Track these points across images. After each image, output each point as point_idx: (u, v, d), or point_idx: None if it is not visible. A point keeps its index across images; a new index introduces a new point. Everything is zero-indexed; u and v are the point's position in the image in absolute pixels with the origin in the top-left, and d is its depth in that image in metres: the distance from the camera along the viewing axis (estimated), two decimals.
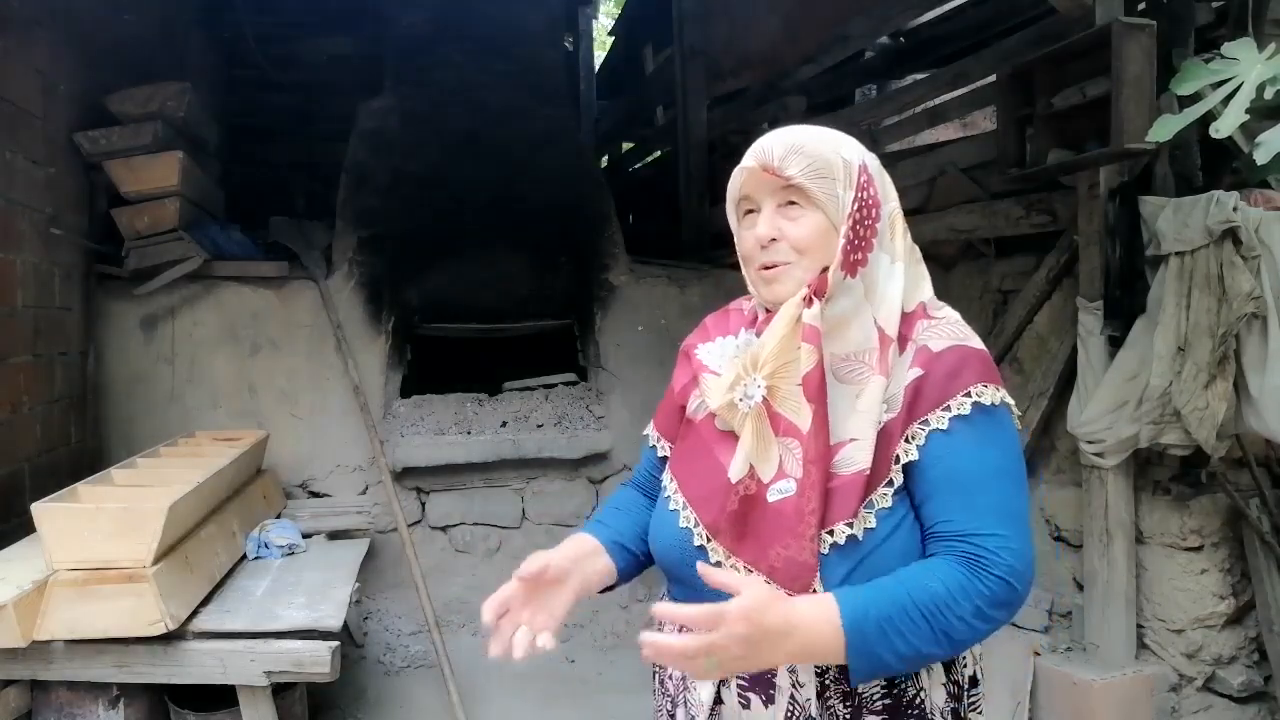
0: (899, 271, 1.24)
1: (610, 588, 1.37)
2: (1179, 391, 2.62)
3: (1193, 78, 1.86)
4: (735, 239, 1.32)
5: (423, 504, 4.21)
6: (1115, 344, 2.86)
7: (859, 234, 1.21)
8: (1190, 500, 2.89)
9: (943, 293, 4.43)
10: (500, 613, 1.22)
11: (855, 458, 1.16)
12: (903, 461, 1.16)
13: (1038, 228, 3.31)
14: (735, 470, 1.20)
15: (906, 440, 1.15)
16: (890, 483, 1.16)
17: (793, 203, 1.22)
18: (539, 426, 4.25)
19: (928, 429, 1.15)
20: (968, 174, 3.66)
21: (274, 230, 4.58)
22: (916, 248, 1.31)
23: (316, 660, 2.48)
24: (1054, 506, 3.32)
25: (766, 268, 1.24)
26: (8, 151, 3.06)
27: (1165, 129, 1.93)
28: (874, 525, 1.15)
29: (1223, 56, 1.82)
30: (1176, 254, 2.66)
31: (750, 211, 1.28)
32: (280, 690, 2.64)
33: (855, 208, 1.20)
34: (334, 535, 3.54)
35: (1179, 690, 2.90)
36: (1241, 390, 2.61)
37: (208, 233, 4.09)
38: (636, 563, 1.39)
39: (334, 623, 2.57)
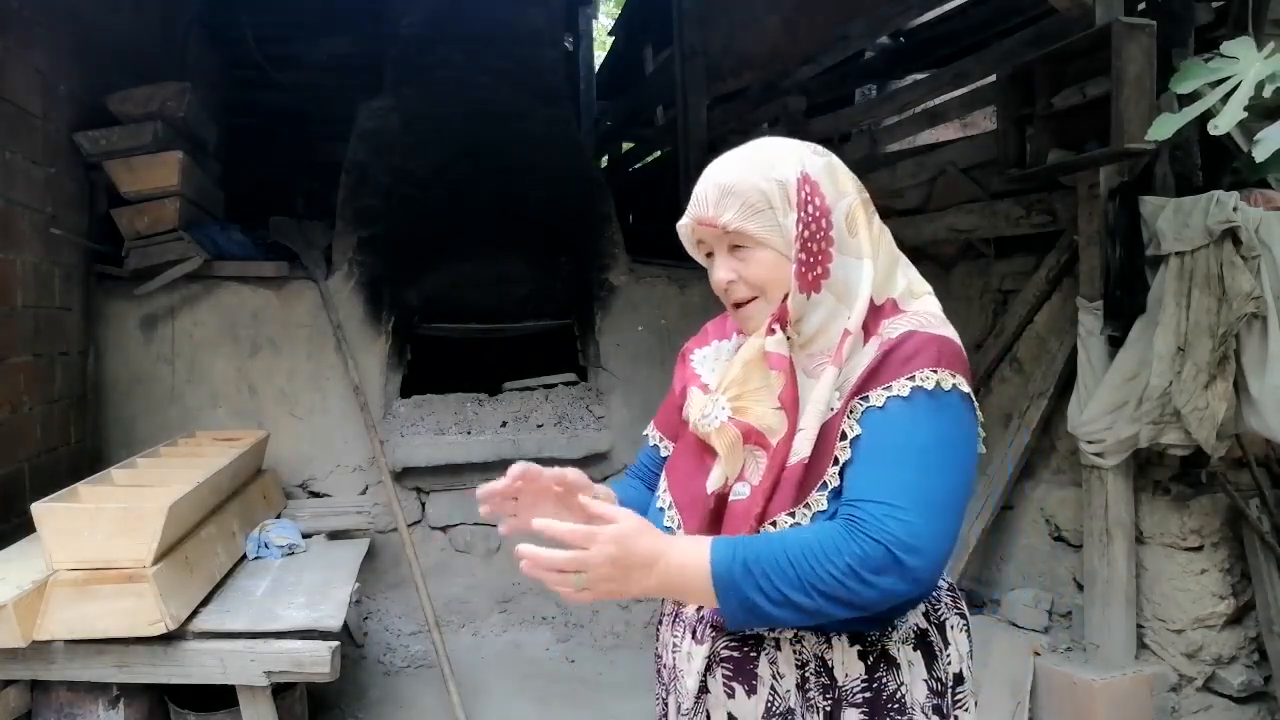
0: (868, 270, 1.23)
1: None
2: (1179, 391, 2.62)
3: (1192, 76, 1.86)
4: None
5: (423, 504, 4.21)
6: (1115, 344, 2.86)
7: (811, 251, 1.21)
8: (1190, 500, 2.89)
9: (943, 293, 4.43)
10: (487, 498, 1.34)
11: (799, 448, 1.18)
12: (849, 437, 1.16)
13: (1038, 228, 3.31)
14: (713, 482, 1.25)
15: (849, 415, 1.16)
16: (836, 461, 1.17)
17: (738, 245, 1.24)
18: (539, 426, 4.25)
19: (866, 405, 1.16)
20: (968, 174, 3.66)
21: (274, 230, 4.58)
22: (886, 234, 1.29)
23: (316, 660, 2.48)
24: (1054, 506, 3.32)
25: (737, 305, 1.28)
26: (8, 151, 3.06)
27: (1164, 127, 1.93)
28: (825, 508, 1.17)
29: (1222, 55, 1.82)
30: (1176, 254, 2.66)
31: (710, 254, 1.31)
32: (280, 690, 2.64)
33: (800, 229, 1.20)
34: (334, 535, 3.54)
35: (1179, 690, 2.90)
36: (1241, 390, 2.61)
37: (208, 233, 4.09)
38: None
39: (334, 623, 2.57)
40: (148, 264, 3.83)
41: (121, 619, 2.33)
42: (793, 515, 1.17)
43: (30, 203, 3.23)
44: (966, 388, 1.18)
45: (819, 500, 1.17)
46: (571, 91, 6.45)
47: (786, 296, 1.22)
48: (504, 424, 4.25)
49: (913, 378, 1.15)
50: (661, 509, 1.33)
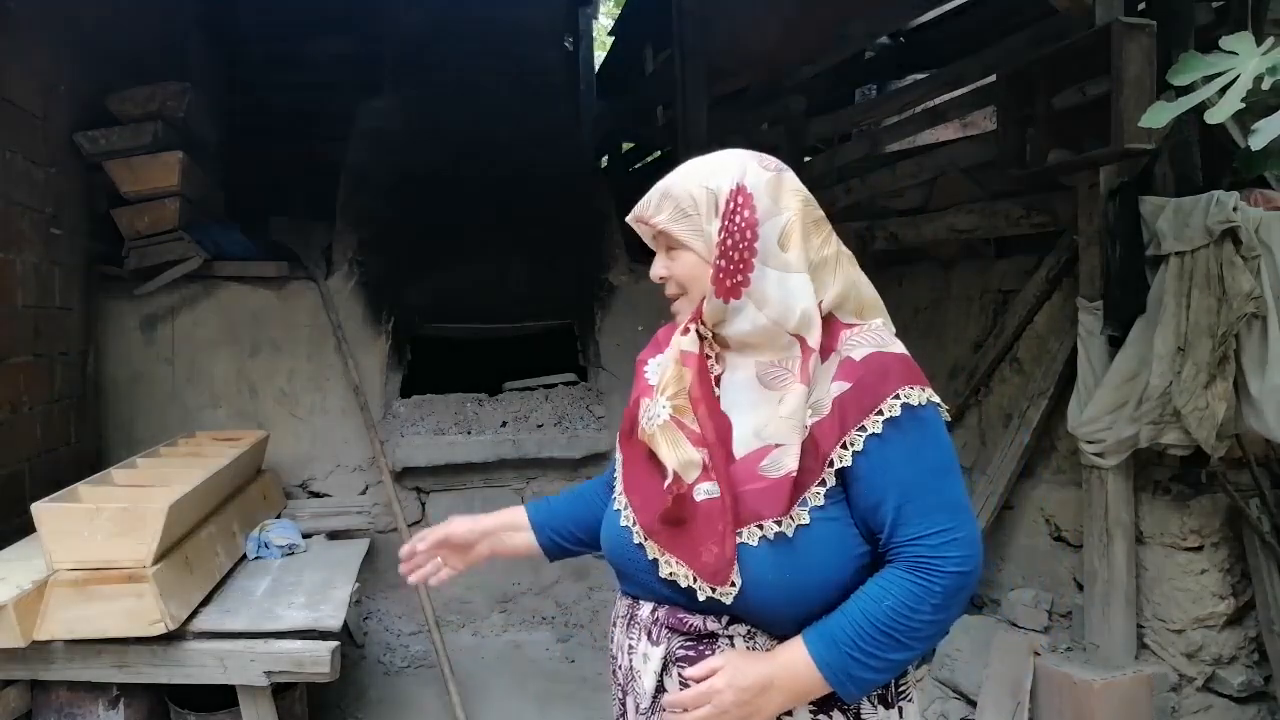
0: (798, 283, 1.26)
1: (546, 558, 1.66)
2: (1179, 391, 2.62)
3: (1190, 69, 1.85)
4: None
5: (423, 504, 4.21)
6: (1115, 344, 2.86)
7: (731, 259, 1.26)
8: (1190, 500, 2.88)
9: (943, 293, 4.40)
10: (409, 558, 1.62)
11: (782, 461, 1.22)
12: (837, 466, 1.21)
13: (1038, 228, 3.31)
14: (668, 479, 1.29)
15: (843, 447, 1.21)
16: (823, 483, 1.22)
17: (671, 246, 1.34)
18: (539, 426, 4.26)
19: (864, 435, 1.21)
20: (968, 174, 3.66)
21: (274, 230, 4.58)
22: (845, 257, 1.32)
23: (316, 660, 2.48)
24: (1054, 506, 3.32)
25: (671, 299, 1.38)
26: (8, 151, 3.06)
27: (1159, 116, 1.93)
28: (807, 522, 1.21)
29: (1221, 50, 1.82)
30: (1176, 254, 2.66)
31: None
32: (280, 690, 2.63)
33: (723, 236, 1.26)
34: (334, 535, 3.54)
35: (1179, 690, 2.90)
36: (1241, 390, 2.61)
37: (208, 233, 4.09)
38: (560, 548, 1.63)
39: (334, 623, 2.57)
40: (148, 264, 3.83)
41: (121, 619, 2.33)
42: (779, 524, 1.21)
43: (30, 203, 3.23)
44: (935, 397, 1.26)
45: (800, 515, 1.21)
46: (571, 91, 6.45)
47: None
48: (504, 424, 4.25)
49: (898, 396, 1.21)
50: (618, 510, 1.38)
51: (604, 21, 9.69)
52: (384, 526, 3.96)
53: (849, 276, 1.32)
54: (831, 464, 1.21)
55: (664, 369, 1.35)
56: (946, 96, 3.79)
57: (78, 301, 3.67)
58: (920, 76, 4.44)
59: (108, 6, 3.90)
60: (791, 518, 1.21)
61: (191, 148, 4.06)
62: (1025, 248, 3.51)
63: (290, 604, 2.69)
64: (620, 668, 1.42)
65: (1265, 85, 1.69)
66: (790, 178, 1.32)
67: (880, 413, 1.20)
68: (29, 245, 3.21)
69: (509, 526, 1.63)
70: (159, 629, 2.35)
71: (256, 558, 3.11)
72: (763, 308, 1.26)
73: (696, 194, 1.29)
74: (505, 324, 4.49)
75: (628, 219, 1.39)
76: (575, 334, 4.62)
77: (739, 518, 1.22)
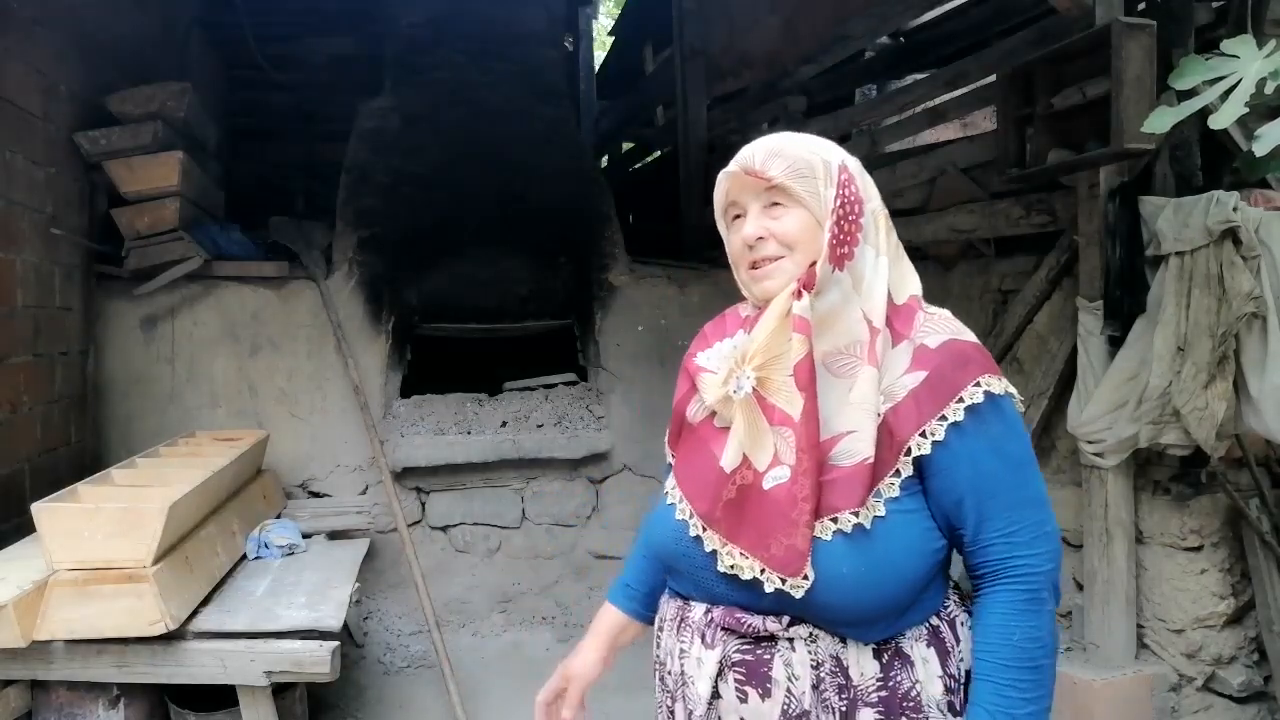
0: (884, 266, 1.27)
1: None
2: (1179, 391, 2.62)
3: (1191, 73, 1.85)
4: (725, 244, 1.36)
5: (423, 504, 4.21)
6: (1115, 344, 2.86)
7: (844, 228, 1.23)
8: (1190, 500, 2.88)
9: (943, 293, 4.42)
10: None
11: (855, 449, 1.18)
12: (914, 455, 1.18)
13: (1038, 228, 3.31)
14: (729, 459, 1.23)
15: (922, 435, 1.18)
16: (898, 473, 1.18)
17: (777, 203, 1.27)
18: (539, 426, 4.25)
19: (945, 424, 1.17)
20: (968, 174, 3.66)
21: (274, 230, 4.58)
22: (901, 245, 1.33)
23: (316, 660, 2.48)
24: (1054, 506, 3.32)
25: (755, 265, 1.28)
26: (8, 151, 3.06)
27: (1161, 121, 1.93)
28: (883, 514, 1.17)
29: (1222, 54, 1.82)
30: (1176, 254, 2.66)
31: (738, 217, 1.32)
32: (280, 690, 2.64)
33: (838, 204, 1.23)
34: (334, 535, 3.54)
35: (1179, 690, 2.90)
36: (1241, 390, 2.61)
37: (208, 233, 4.09)
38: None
39: (334, 623, 2.57)
40: (148, 264, 3.83)
41: (121, 619, 2.33)
42: (856, 515, 1.17)
43: (30, 203, 3.23)
44: (1013, 388, 1.24)
45: (876, 506, 1.18)
46: (571, 91, 6.46)
47: (813, 264, 1.23)
48: (504, 424, 4.25)
49: (978, 383, 1.19)
50: (672, 504, 1.32)
51: (604, 21, 9.69)
52: (384, 526, 3.95)
53: (910, 266, 1.32)
54: (909, 452, 1.18)
55: (753, 334, 1.27)
56: (946, 96, 3.79)
57: (78, 301, 3.67)
58: (920, 76, 4.44)
59: (108, 6, 3.90)
60: (868, 508, 1.17)
61: (191, 148, 4.06)
62: (1025, 248, 3.51)
63: (290, 604, 2.69)
64: (670, 673, 1.34)
65: (1268, 89, 1.69)
66: (866, 173, 1.33)
67: (961, 400, 1.17)
68: (29, 245, 3.21)
69: (616, 635, 1.52)
70: (159, 629, 2.35)
71: (256, 558, 3.11)
72: (857, 284, 1.24)
73: (811, 160, 1.26)
74: (505, 324, 4.49)
75: (722, 172, 1.31)
76: (575, 334, 4.61)
77: (819, 507, 1.17)
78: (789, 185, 1.24)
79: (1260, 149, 1.63)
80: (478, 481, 4.23)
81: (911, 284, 1.30)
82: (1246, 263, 2.53)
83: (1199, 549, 2.88)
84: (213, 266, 4.01)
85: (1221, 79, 1.77)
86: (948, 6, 4.25)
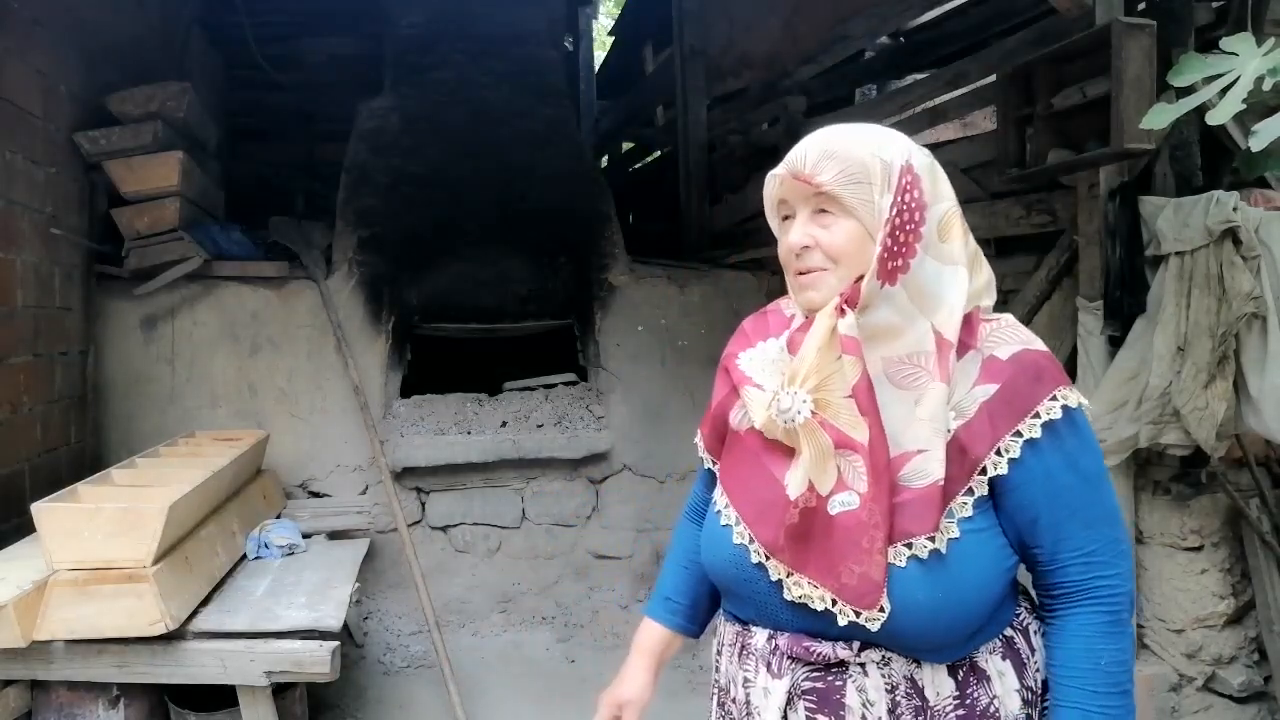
0: (960, 276, 1.18)
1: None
2: (1179, 391, 2.62)
3: (1190, 70, 1.85)
4: (778, 242, 1.28)
5: (423, 504, 4.21)
6: (1115, 344, 2.86)
7: (898, 240, 1.14)
8: (1190, 500, 2.88)
9: None
10: None
11: (926, 469, 1.12)
12: (990, 474, 1.13)
13: (1038, 228, 3.31)
14: (794, 487, 1.16)
15: (997, 453, 1.12)
16: (970, 491, 1.13)
17: (825, 210, 1.18)
18: (539, 426, 4.25)
19: (1020, 440, 1.12)
20: (968, 174, 3.65)
21: (274, 230, 4.58)
22: (979, 248, 1.25)
23: (316, 660, 2.48)
24: None
25: (802, 273, 1.20)
26: (8, 151, 3.06)
27: (1160, 118, 1.93)
28: (958, 535, 1.12)
29: (1221, 51, 1.82)
30: (1176, 254, 2.66)
31: (788, 217, 1.23)
32: (280, 690, 2.64)
33: (894, 213, 1.14)
34: (334, 535, 3.54)
35: (1179, 690, 2.90)
36: (1241, 390, 2.61)
37: (208, 233, 4.09)
38: (705, 623, 1.49)
39: (334, 623, 2.57)
40: (148, 264, 3.83)
41: (121, 619, 2.33)
42: (932, 540, 1.11)
43: (30, 203, 3.23)
44: (1085, 398, 1.19)
45: (950, 528, 1.12)
46: (571, 91, 6.46)
47: (860, 279, 1.15)
48: (504, 424, 4.25)
49: (1055, 398, 1.14)
50: (727, 526, 1.24)
51: (604, 21, 9.69)
52: (384, 526, 3.96)
53: (989, 270, 1.24)
54: (984, 471, 1.12)
55: (797, 358, 1.19)
56: (946, 96, 3.80)
57: (78, 301, 3.67)
58: (920, 76, 4.44)
59: (108, 6, 3.90)
60: (941, 531, 1.11)
61: (191, 148, 4.06)
62: (1025, 248, 3.50)
63: (290, 604, 2.69)
64: (735, 701, 1.27)
65: (1266, 86, 1.69)
66: (939, 166, 1.22)
67: (1037, 416, 1.12)
68: (29, 245, 3.21)
69: (662, 652, 1.46)
70: (159, 629, 2.35)
71: (256, 558, 3.11)
72: (915, 298, 1.15)
73: (868, 161, 1.15)
74: (505, 324, 4.49)
75: (770, 174, 1.22)
76: (575, 334, 4.61)
77: (893, 533, 1.11)
78: (839, 194, 1.15)
79: (1257, 144, 1.62)
80: (478, 481, 4.23)
81: (989, 292, 1.23)
82: (1246, 263, 2.53)
83: (1199, 549, 2.88)
84: (213, 266, 4.01)
85: (1220, 76, 1.77)
86: (948, 6, 4.25)
